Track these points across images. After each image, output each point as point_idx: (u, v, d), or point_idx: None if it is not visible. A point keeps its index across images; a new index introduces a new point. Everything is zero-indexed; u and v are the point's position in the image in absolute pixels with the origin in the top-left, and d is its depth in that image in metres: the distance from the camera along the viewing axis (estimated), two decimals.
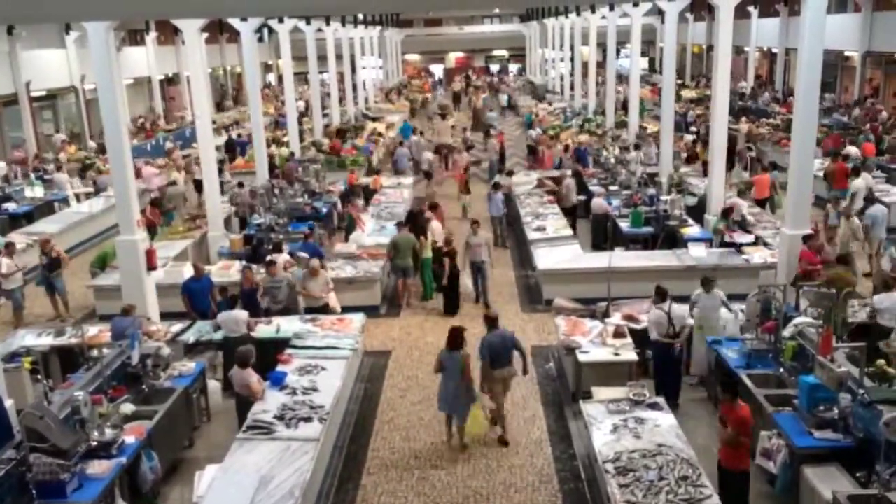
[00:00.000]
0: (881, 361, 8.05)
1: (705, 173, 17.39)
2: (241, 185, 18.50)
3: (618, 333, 10.30)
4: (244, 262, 13.62)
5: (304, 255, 13.06)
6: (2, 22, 19.03)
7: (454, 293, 13.62)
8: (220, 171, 19.30)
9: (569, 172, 19.63)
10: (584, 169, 21.04)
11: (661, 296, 10.17)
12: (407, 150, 25.06)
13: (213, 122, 23.58)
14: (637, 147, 21.98)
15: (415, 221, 15.50)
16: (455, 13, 54.80)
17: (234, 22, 19.43)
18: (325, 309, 12.12)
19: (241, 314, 10.82)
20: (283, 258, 13.21)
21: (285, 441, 8.07)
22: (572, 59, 37.04)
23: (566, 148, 24.38)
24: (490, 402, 9.49)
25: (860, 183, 16.48)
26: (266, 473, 7.47)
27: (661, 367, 10.04)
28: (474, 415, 9.16)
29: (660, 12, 27.13)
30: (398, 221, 15.31)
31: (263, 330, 11.17)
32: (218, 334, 11.03)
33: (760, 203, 17.24)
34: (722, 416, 7.56)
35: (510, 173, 20.73)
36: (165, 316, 12.10)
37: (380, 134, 29.91)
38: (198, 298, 12.06)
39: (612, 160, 21.15)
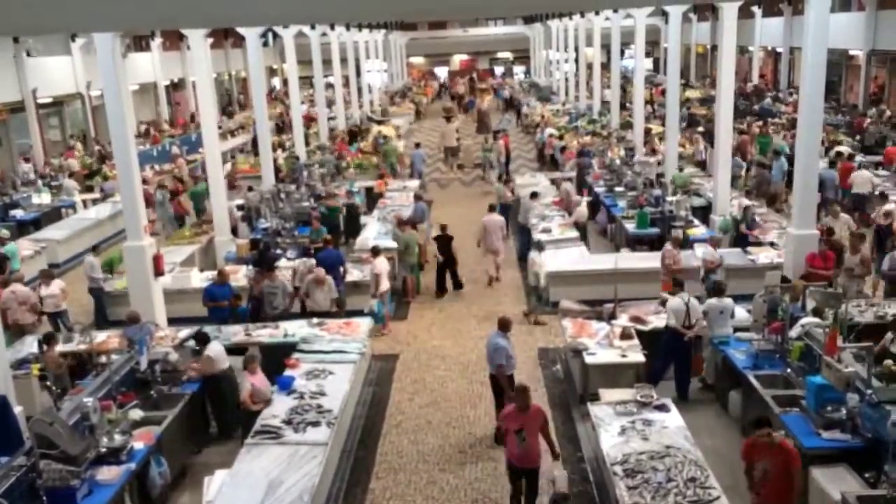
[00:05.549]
0: (888, 361, 8.03)
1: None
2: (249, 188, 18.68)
3: (625, 335, 10.29)
4: (252, 267, 13.63)
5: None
6: (8, 33, 19.10)
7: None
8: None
9: (567, 175, 19.52)
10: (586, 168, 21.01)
11: (679, 286, 10.48)
12: (422, 151, 25.13)
13: (219, 128, 23.65)
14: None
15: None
16: (460, 17, 54.77)
17: (239, 27, 19.46)
18: (333, 313, 12.14)
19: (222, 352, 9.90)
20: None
21: (294, 445, 8.09)
22: (577, 61, 37.01)
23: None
24: None
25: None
26: (275, 478, 7.49)
27: (670, 354, 10.13)
28: None
29: (663, 13, 27.08)
30: (399, 221, 15.35)
31: (270, 335, 11.18)
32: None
33: None
34: (752, 458, 6.95)
35: (508, 181, 20.18)
36: (173, 321, 12.14)
37: (385, 136, 29.90)
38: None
39: (618, 161, 21.12)
